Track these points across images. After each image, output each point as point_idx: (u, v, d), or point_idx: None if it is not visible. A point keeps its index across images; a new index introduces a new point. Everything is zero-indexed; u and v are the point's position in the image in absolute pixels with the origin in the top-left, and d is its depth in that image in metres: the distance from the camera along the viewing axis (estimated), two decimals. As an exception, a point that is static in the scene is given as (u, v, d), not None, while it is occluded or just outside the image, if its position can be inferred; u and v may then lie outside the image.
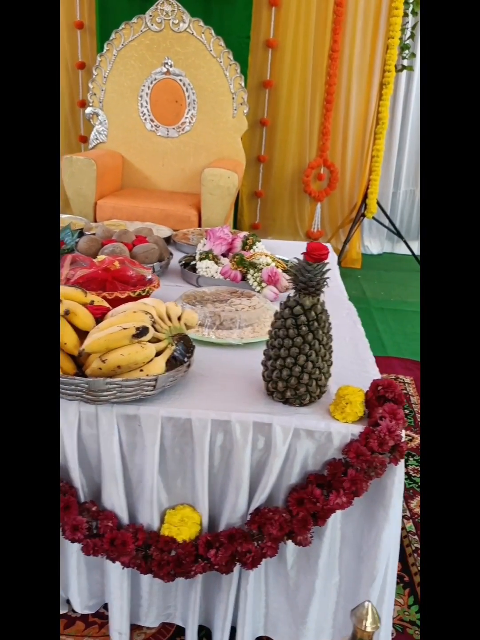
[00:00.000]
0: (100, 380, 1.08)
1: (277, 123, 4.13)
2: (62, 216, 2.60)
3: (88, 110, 3.57)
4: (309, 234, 4.31)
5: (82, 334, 1.23)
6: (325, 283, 1.14)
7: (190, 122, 3.55)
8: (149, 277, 1.68)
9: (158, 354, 1.17)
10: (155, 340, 1.18)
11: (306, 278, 1.11)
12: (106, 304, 1.32)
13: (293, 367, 1.14)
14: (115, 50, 3.45)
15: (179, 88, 3.51)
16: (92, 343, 1.13)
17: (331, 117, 4.06)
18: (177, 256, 2.11)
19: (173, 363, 1.23)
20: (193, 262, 2.08)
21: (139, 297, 1.58)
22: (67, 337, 1.20)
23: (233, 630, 1.32)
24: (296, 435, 1.14)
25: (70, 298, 1.26)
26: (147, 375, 1.13)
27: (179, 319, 1.24)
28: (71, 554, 1.31)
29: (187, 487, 1.22)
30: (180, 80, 3.49)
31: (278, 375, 1.16)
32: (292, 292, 1.17)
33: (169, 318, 1.23)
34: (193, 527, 1.20)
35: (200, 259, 1.97)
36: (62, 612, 1.39)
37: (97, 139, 3.60)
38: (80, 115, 4.18)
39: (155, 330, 1.18)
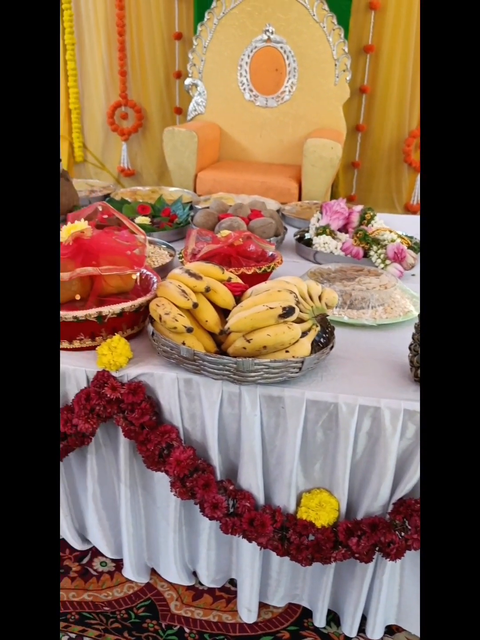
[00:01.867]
0: (248, 360, 1.05)
1: (376, 90, 3.94)
2: (171, 189, 2.60)
3: (187, 81, 3.54)
4: (408, 206, 4.12)
5: (220, 312, 1.21)
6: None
7: (289, 91, 3.45)
8: (271, 252, 1.64)
9: (302, 334, 1.13)
10: (298, 320, 1.14)
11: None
12: (240, 281, 1.30)
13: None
14: (216, 18, 3.39)
15: (279, 56, 3.40)
16: (237, 322, 1.11)
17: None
18: (290, 231, 2.05)
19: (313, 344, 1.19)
20: (306, 237, 2.02)
21: (265, 273, 1.54)
22: (208, 314, 1.18)
23: (362, 617, 1.29)
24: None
25: (209, 275, 1.24)
26: (293, 356, 1.09)
27: (320, 298, 1.19)
28: (203, 529, 1.32)
29: (326, 471, 1.18)
30: (281, 47, 3.38)
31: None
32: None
33: (311, 297, 1.18)
34: (331, 513, 1.17)
35: (317, 234, 1.91)
36: (190, 584, 1.41)
37: (195, 110, 3.58)
38: (176, 87, 4.16)
39: (299, 310, 1.13)
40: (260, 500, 1.21)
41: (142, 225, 1.97)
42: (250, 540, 1.19)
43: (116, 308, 1.19)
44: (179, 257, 1.61)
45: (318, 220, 2.00)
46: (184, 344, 1.13)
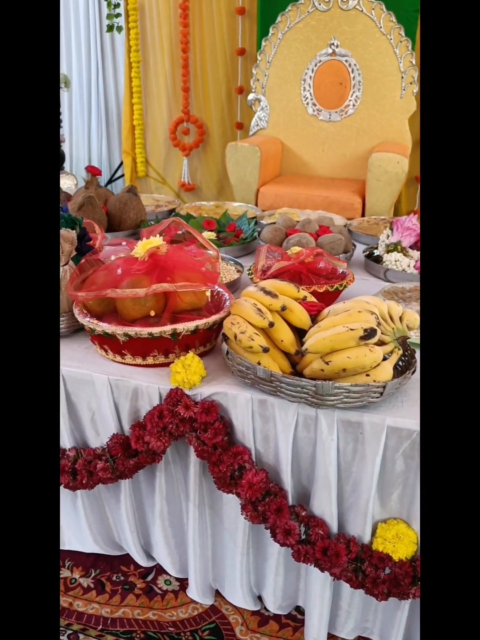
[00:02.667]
0: (328, 384, 1.02)
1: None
2: (235, 204, 2.60)
3: (250, 96, 3.56)
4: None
5: (295, 331, 1.18)
6: None
7: (354, 105, 3.40)
8: (342, 270, 1.60)
9: (384, 358, 1.08)
10: (379, 343, 1.09)
11: None
12: (315, 300, 1.26)
13: None
14: (280, 33, 3.39)
15: (344, 69, 3.37)
16: (315, 343, 1.07)
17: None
18: (358, 247, 2.01)
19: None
20: (376, 254, 1.97)
21: (337, 291, 1.50)
22: (284, 334, 1.15)
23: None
24: None
25: (284, 293, 1.21)
26: (374, 380, 1.05)
27: (401, 319, 1.14)
28: (271, 554, 1.28)
29: (404, 502, 1.13)
30: (346, 61, 3.34)
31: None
32: None
33: (391, 318, 1.14)
34: (409, 546, 1.11)
35: (388, 251, 1.86)
36: (255, 609, 1.37)
37: (257, 125, 3.58)
38: (237, 102, 4.18)
39: (380, 332, 1.09)
40: (334, 528, 1.16)
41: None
42: (322, 570, 1.14)
43: (191, 325, 1.18)
44: (248, 274, 1.59)
45: (388, 236, 1.95)
46: (259, 363, 1.11)
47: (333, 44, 3.33)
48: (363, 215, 3.10)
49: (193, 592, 1.39)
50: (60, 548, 1.52)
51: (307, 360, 1.12)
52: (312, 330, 1.12)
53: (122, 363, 1.24)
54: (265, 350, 1.10)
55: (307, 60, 3.41)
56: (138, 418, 1.23)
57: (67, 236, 1.26)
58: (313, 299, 1.26)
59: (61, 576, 1.47)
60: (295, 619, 1.37)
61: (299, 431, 1.12)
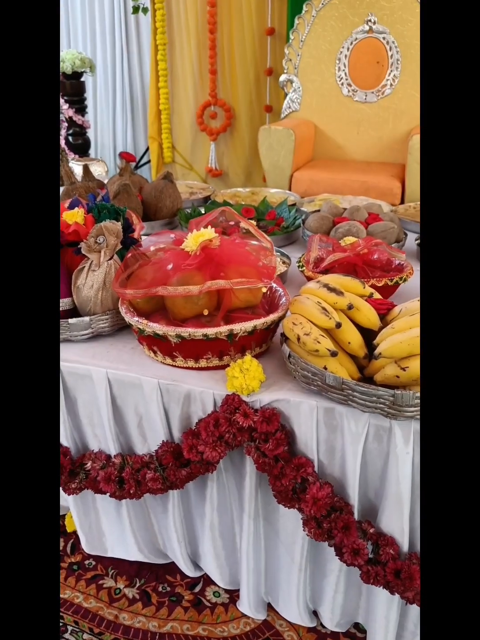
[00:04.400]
0: (408, 393, 0.92)
1: None
2: (272, 190, 2.49)
3: (282, 77, 3.42)
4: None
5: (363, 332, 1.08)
6: None
7: (391, 85, 3.25)
8: (399, 261, 1.49)
9: (466, 362, 0.97)
10: (460, 345, 0.99)
11: None
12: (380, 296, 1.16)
13: None
14: (314, 10, 3.24)
15: (381, 47, 3.21)
16: (391, 347, 0.97)
17: None
18: (409, 236, 1.89)
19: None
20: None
21: (396, 285, 1.40)
22: (351, 335, 1.05)
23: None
24: None
25: (348, 289, 1.11)
26: (458, 388, 0.94)
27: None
28: (331, 571, 1.19)
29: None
30: (384, 38, 3.18)
31: None
32: None
33: (471, 318, 1.02)
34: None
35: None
36: (311, 625, 1.29)
37: (289, 107, 3.45)
38: (266, 85, 4.04)
39: (462, 333, 0.98)
40: (404, 547, 1.06)
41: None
42: (393, 593, 1.05)
43: (248, 325, 1.08)
44: (299, 266, 1.49)
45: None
46: (325, 368, 1.01)
47: (370, 20, 3.17)
48: (402, 201, 2.97)
49: (244, 605, 1.31)
50: (103, 554, 1.45)
51: (378, 365, 1.02)
52: (385, 332, 1.02)
53: (172, 365, 1.15)
54: (334, 354, 1.00)
55: (342, 38, 3.26)
56: (189, 425, 1.15)
57: (112, 228, 1.17)
58: (378, 295, 1.16)
59: (104, 585, 1.41)
60: (355, 637, 1.28)
61: (369, 442, 1.02)
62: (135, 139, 4.88)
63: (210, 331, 1.06)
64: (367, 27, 3.19)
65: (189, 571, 1.39)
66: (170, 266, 1.12)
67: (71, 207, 1.29)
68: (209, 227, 1.17)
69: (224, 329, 1.06)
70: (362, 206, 1.90)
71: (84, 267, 1.20)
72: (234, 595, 1.36)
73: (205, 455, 1.08)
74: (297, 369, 1.04)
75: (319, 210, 1.95)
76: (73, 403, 1.23)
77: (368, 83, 3.28)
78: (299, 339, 1.03)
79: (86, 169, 2.02)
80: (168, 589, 1.39)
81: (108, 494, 1.21)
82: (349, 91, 3.32)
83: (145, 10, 4.02)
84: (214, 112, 4.18)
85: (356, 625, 1.30)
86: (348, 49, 3.26)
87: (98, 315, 1.22)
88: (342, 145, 3.43)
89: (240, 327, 1.07)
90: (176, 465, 1.14)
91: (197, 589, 1.39)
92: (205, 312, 1.12)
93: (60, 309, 1.21)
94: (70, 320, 1.20)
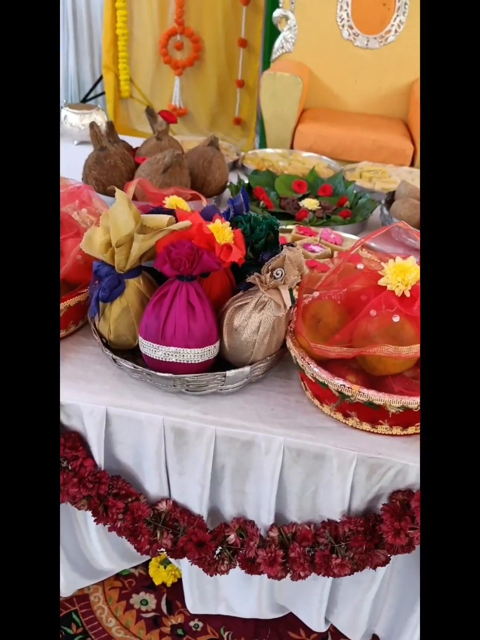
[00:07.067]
0: None
1: None
2: (304, 154, 2.20)
3: (276, 12, 3.02)
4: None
5: None
6: None
7: (396, 31, 2.99)
8: None
9: None
10: None
11: None
12: None
13: None
14: None
15: (389, -14, 2.92)
16: None
17: None
18: None
19: None
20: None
21: None
22: None
23: None
24: None
25: None
26: None
27: None
28: None
29: None
30: (393, -24, 2.89)
31: None
32: None
33: None
34: None
35: None
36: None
37: (283, 47, 3.08)
38: (242, 14, 3.60)
39: None
40: None
41: (314, 219, 1.61)
42: None
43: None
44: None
45: None
46: None
47: (380, -47, 2.85)
48: (412, 162, 2.80)
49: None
50: (215, 613, 1.25)
51: None
52: None
53: (371, 433, 0.93)
54: None
55: (347, -29, 2.92)
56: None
57: (296, 259, 0.88)
58: None
59: (219, 651, 1.22)
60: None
61: None
62: (79, 67, 4.20)
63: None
64: (375, -39, 2.87)
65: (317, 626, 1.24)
66: (373, 312, 0.88)
67: (207, 216, 0.98)
68: (398, 256, 0.93)
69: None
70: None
71: (245, 304, 0.92)
72: (368, 648, 1.24)
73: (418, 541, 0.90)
74: None
75: (393, 192, 1.72)
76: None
77: (371, 27, 3.00)
78: None
79: (95, 126, 1.58)
80: (295, 648, 1.24)
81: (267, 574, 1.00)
82: (349, 34, 3.02)
83: None
84: (180, 43, 3.70)
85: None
86: (353, -15, 2.94)
87: (258, 363, 0.96)
88: (338, 94, 3.16)
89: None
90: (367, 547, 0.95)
91: (327, 646, 1.25)
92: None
93: (206, 358, 0.93)
94: (229, 373, 0.93)
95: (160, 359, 0.91)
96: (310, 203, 1.69)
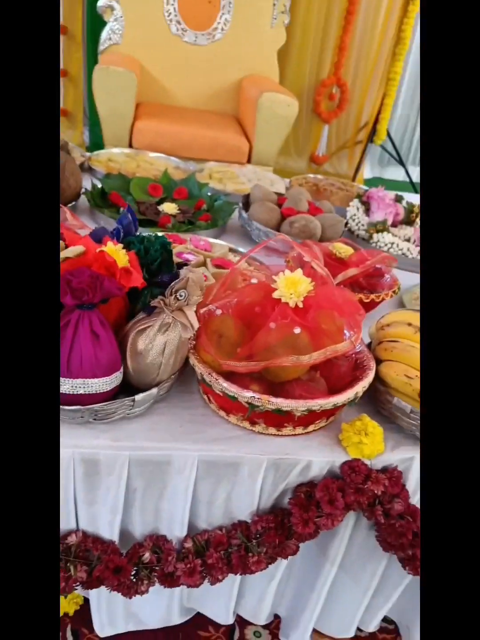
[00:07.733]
0: None
1: (293, 36, 3.70)
2: (151, 154, 2.18)
3: (101, 1, 2.93)
4: (314, 157, 4.10)
5: None
6: None
7: (222, 29, 3.08)
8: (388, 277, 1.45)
9: None
10: None
11: None
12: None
13: None
14: None
15: (213, -15, 2.99)
16: None
17: (350, 31, 3.74)
18: (332, 222, 1.90)
19: None
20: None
21: (382, 301, 1.40)
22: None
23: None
24: None
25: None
26: None
27: None
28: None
29: None
30: (216, -25, 2.97)
31: None
32: None
33: None
34: None
35: (377, 231, 1.80)
36: None
37: (110, 39, 3.01)
38: (60, -1, 3.42)
39: None
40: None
41: (177, 224, 1.62)
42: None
43: (350, 394, 0.99)
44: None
45: (365, 212, 1.88)
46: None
47: (202, -48, 2.91)
48: (249, 160, 2.94)
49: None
50: (125, 630, 1.24)
51: None
52: None
53: (277, 435, 1.00)
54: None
55: (171, -34, 2.93)
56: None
57: (198, 280, 0.90)
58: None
59: (132, 667, 1.22)
60: (390, 630, 1.38)
61: None
62: None
63: (341, 399, 0.94)
64: (198, -41, 2.92)
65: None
66: (273, 325, 0.94)
67: (97, 238, 0.95)
68: (297, 268, 1.00)
69: (351, 393, 0.96)
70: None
71: (148, 326, 0.92)
72: (272, 628, 1.33)
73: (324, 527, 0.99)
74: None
75: (252, 194, 1.80)
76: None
77: (199, 23, 3.06)
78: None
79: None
80: (206, 645, 1.28)
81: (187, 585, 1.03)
82: (178, 30, 3.05)
83: None
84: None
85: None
86: (178, -20, 2.95)
87: (164, 383, 0.96)
88: (169, 89, 3.18)
89: (362, 389, 0.98)
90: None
91: (236, 636, 1.31)
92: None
93: (114, 385, 0.91)
94: (137, 397, 0.92)
95: (67, 392, 0.87)
96: (169, 207, 1.70)
